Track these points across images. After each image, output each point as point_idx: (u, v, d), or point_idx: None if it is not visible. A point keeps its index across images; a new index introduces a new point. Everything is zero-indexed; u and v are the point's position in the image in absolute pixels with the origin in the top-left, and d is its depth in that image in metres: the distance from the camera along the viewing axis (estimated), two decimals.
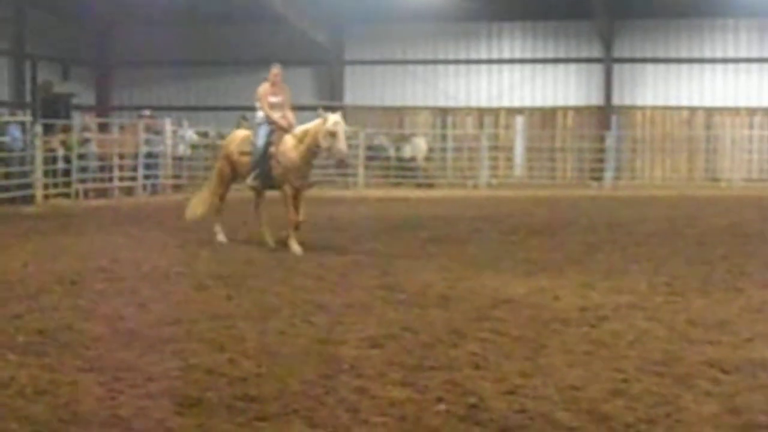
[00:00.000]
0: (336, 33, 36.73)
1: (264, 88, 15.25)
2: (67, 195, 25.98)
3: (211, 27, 36.96)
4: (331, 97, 36.12)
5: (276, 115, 14.92)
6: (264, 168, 14.87)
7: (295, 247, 14.22)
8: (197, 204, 16.25)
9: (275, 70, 15.29)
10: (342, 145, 14.08)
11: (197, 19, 36.39)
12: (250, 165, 15.16)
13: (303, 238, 14.74)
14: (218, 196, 15.91)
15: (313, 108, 36.10)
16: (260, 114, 15.24)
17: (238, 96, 37.12)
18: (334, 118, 14.16)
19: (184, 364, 7.53)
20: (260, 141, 14.99)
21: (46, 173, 25.34)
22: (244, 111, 35.57)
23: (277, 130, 14.84)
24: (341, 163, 15.49)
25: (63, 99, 34.79)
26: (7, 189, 24.15)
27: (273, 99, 15.09)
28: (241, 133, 16.23)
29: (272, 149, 14.77)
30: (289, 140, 14.67)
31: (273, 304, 10.07)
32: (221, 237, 15.60)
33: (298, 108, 35.57)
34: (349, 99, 36.66)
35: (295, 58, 36.39)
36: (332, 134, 14.03)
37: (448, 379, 7.08)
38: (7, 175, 24.53)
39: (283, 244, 14.65)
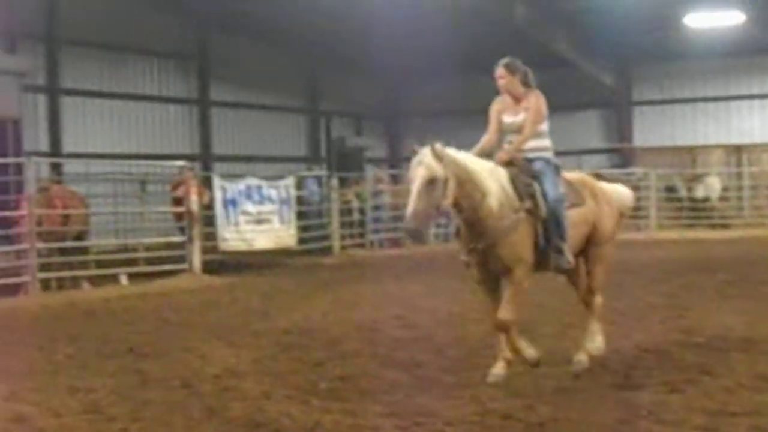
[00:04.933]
0: (622, 74, 36.24)
1: (495, 103, 9.76)
2: (362, 245, 26.80)
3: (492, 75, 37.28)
4: (619, 139, 35.71)
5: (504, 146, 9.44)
6: None
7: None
8: None
9: (499, 70, 9.74)
10: (410, 205, 8.11)
11: (478, 68, 36.82)
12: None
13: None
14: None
15: (602, 151, 36.23)
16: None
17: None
18: (416, 159, 8.50)
19: (481, 409, 7.60)
20: None
21: (342, 225, 26.25)
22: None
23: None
24: (407, 234, 8.57)
25: (356, 152, 36.08)
26: (306, 241, 25.17)
27: (508, 119, 9.47)
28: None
29: None
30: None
31: (564, 348, 9.99)
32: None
33: (586, 152, 36.03)
34: (638, 140, 35.99)
35: (582, 101, 36.25)
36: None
37: (754, 425, 6.83)
38: (306, 228, 25.55)
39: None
